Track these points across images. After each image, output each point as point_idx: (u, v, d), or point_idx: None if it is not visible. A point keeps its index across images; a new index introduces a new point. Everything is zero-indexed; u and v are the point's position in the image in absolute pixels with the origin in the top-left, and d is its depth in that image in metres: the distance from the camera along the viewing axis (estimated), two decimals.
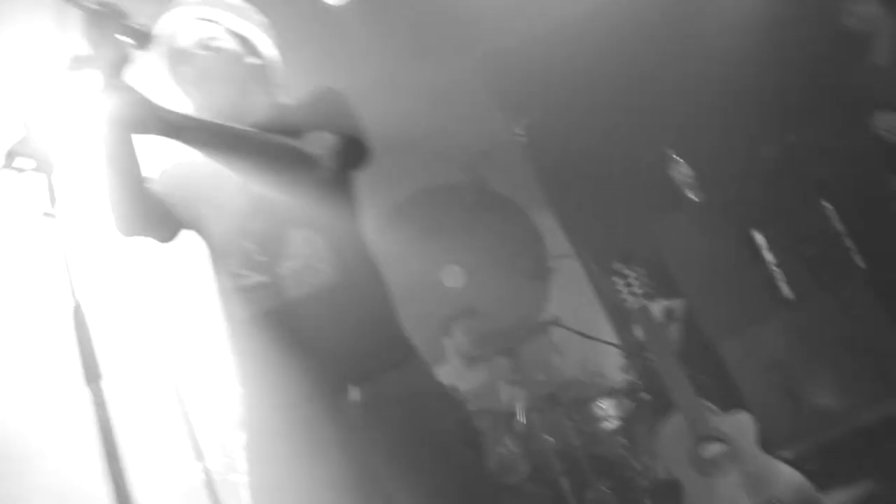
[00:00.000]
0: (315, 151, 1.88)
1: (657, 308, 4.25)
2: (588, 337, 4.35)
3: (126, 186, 1.83)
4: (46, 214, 1.51)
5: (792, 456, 3.98)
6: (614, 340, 4.49)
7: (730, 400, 3.73)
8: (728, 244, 4.36)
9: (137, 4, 1.73)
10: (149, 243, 1.98)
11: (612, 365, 4.57)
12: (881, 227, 4.19)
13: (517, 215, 5.22)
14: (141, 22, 1.68)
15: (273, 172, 1.88)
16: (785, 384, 4.11)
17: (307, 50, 3.26)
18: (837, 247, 4.36)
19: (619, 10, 4.64)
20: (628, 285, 3.34)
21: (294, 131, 1.91)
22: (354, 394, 1.86)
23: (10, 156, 1.54)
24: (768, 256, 4.37)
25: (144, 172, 1.87)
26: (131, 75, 1.68)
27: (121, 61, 1.66)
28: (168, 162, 2.02)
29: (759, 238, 4.39)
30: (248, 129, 1.87)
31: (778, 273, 4.34)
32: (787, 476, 3.06)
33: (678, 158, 4.52)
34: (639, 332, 3.40)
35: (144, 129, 1.66)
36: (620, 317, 4.27)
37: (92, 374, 1.42)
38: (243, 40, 2.03)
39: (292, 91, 2.09)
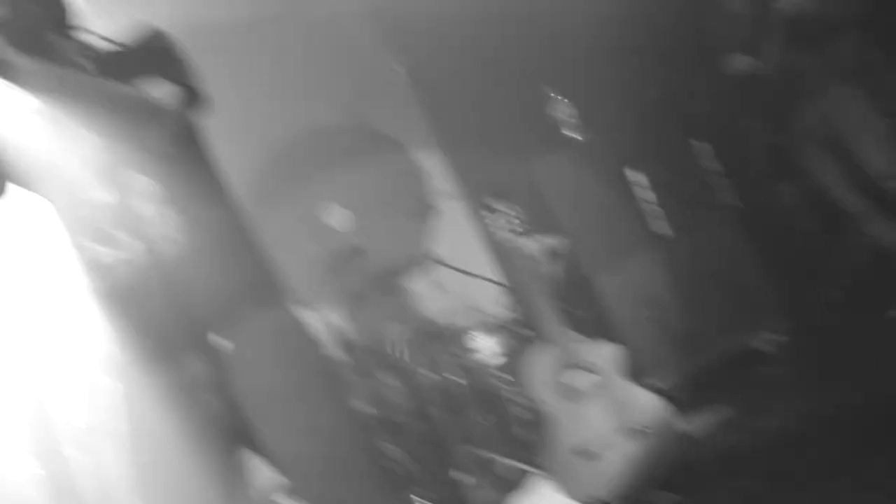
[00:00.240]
0: (158, 101, 1.82)
1: (536, 245, 4.32)
2: (469, 274, 4.40)
3: None
4: None
5: (659, 385, 4.14)
6: (495, 277, 4.53)
7: (602, 332, 3.84)
8: (607, 182, 4.44)
9: None
10: None
11: (494, 301, 4.64)
12: (752, 167, 4.33)
13: (400, 154, 5.19)
14: None
15: (115, 122, 1.81)
16: (657, 317, 4.25)
17: None
18: (712, 185, 4.50)
19: None
20: (505, 221, 3.37)
21: (128, 77, 1.83)
22: (222, 339, 1.87)
23: None
24: (646, 195, 4.47)
25: None
26: None
27: None
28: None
29: (637, 177, 4.48)
30: (90, 76, 1.79)
31: (655, 211, 4.45)
32: (650, 403, 3.17)
33: (560, 97, 4.55)
34: (516, 268, 3.43)
35: None
36: (499, 253, 4.31)
37: None
38: None
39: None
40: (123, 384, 1.91)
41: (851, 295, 4.51)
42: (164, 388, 1.86)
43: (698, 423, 3.62)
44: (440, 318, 4.44)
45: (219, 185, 2.01)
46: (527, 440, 4.06)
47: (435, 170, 5.11)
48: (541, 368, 3.21)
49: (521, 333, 4.24)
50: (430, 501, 3.61)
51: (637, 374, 4.00)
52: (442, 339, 4.21)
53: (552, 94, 4.51)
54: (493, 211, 3.38)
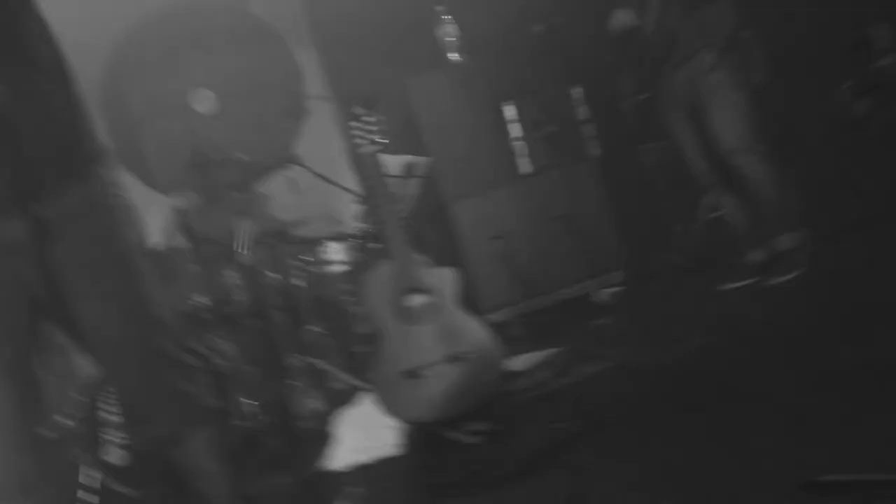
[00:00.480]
0: None
1: (396, 161, 4.30)
2: (326, 180, 4.33)
3: None
4: None
5: (497, 319, 4.25)
6: (351, 188, 4.49)
7: (448, 258, 3.87)
8: (477, 111, 4.42)
9: None
10: None
11: (347, 211, 4.61)
12: (618, 120, 4.41)
13: (278, 47, 5.01)
14: None
15: None
16: (504, 252, 4.32)
17: None
18: (578, 130, 4.56)
19: None
20: (368, 132, 3.32)
21: None
22: (43, 207, 1.78)
23: None
24: (513, 129, 4.49)
25: None
26: None
27: None
28: None
29: (509, 110, 4.49)
30: None
31: (519, 146, 4.48)
32: (479, 334, 3.23)
33: (447, 17, 4.48)
34: (372, 181, 3.39)
35: None
36: (358, 164, 4.26)
37: None
38: None
39: None
40: None
41: (689, 262, 4.74)
42: None
43: (523, 360, 3.73)
44: (292, 221, 4.37)
45: (53, 57, 1.88)
46: (360, 355, 4.10)
47: (310, 70, 4.98)
48: (381, 285, 3.21)
49: (369, 248, 4.22)
50: (256, 403, 3.58)
51: (473, 304, 4.09)
52: (290, 243, 4.15)
53: (442, 14, 4.43)
54: (358, 120, 3.31)
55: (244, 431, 3.40)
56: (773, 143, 3.85)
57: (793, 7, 4.23)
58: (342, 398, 3.79)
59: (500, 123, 4.46)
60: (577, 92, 4.56)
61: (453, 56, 4.49)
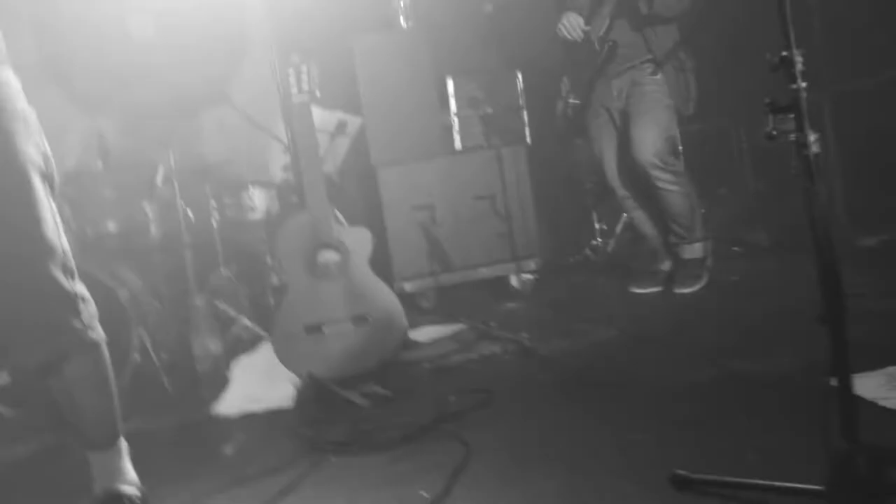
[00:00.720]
0: None
1: (328, 116, 4.26)
2: (254, 124, 4.26)
3: None
4: None
5: (409, 289, 4.26)
6: (280, 136, 4.42)
7: (367, 221, 3.86)
8: (419, 80, 4.41)
9: None
10: None
11: (274, 160, 4.55)
12: (550, 113, 4.44)
13: None
14: None
15: None
16: (425, 224, 4.32)
17: None
18: (514, 116, 4.58)
19: None
20: (304, 83, 3.28)
21: None
22: None
23: None
24: (452, 104, 4.49)
25: None
26: None
27: None
28: None
29: (450, 84, 4.49)
30: None
31: (455, 122, 4.49)
32: (386, 299, 3.24)
33: None
34: (301, 132, 3.34)
35: None
36: (290, 113, 4.20)
37: None
38: None
39: None
40: None
41: (603, 260, 4.83)
42: None
43: (427, 331, 3.75)
44: (216, 162, 4.29)
45: None
46: (267, 305, 4.06)
47: (255, 15, 4.88)
48: (294, 237, 3.19)
49: (288, 199, 4.18)
50: (155, 337, 3.51)
51: (387, 270, 4.10)
52: (212, 182, 4.07)
53: None
54: (296, 70, 3.27)
55: (136, 367, 3.33)
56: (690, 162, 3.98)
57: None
58: (242, 345, 3.76)
59: (440, 96, 4.45)
60: (517, 78, 4.58)
61: (402, 20, 4.47)
